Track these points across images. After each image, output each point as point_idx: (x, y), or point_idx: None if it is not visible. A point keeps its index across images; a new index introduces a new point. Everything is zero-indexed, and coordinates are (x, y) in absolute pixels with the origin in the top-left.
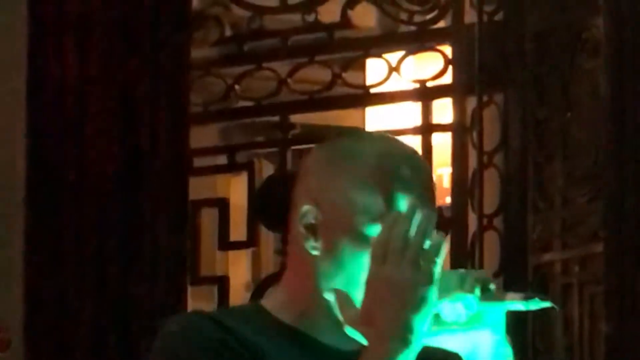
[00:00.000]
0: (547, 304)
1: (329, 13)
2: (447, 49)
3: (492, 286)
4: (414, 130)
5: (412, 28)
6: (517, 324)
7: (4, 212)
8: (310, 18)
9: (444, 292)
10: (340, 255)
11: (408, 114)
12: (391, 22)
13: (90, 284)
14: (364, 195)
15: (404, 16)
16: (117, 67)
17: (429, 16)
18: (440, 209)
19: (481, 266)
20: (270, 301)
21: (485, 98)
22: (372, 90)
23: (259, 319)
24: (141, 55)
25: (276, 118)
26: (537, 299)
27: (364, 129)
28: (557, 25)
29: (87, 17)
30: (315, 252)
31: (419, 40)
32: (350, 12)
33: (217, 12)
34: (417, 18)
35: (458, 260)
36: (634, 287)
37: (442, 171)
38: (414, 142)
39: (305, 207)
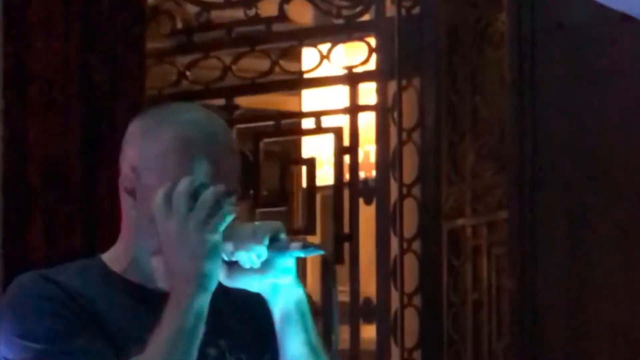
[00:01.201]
0: (320, 252)
1: (268, 8)
2: (371, 40)
3: (282, 236)
4: (343, 111)
5: (341, 21)
6: (434, 281)
7: None
8: (251, 12)
9: (240, 242)
10: (152, 214)
11: (338, 97)
12: (322, 16)
13: (58, 250)
14: (170, 161)
15: (333, 10)
16: (79, 56)
17: (355, 10)
18: (366, 180)
19: (401, 229)
20: (108, 254)
21: (404, 82)
22: (306, 76)
23: (94, 271)
24: (101, 46)
25: (222, 101)
26: (313, 247)
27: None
28: (468, 20)
29: (52, 12)
30: (133, 212)
31: (347, 31)
32: (286, 7)
33: (169, 7)
34: (345, 12)
35: (382, 223)
36: (532, 249)
37: (368, 148)
38: (343, 121)
39: (125, 173)
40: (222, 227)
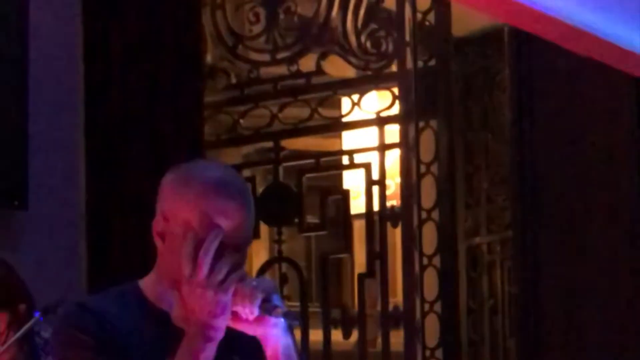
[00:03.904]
0: (296, 323)
1: (307, 64)
2: (395, 88)
3: (274, 297)
4: (375, 148)
5: (369, 73)
6: (452, 291)
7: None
8: (293, 68)
9: (239, 298)
10: (177, 257)
11: (369, 136)
12: (352, 69)
13: (134, 273)
14: (194, 216)
15: (362, 64)
16: (148, 108)
17: (380, 64)
18: (393, 207)
19: (421, 248)
20: (144, 281)
21: (423, 124)
22: (344, 120)
23: (131, 297)
24: (167, 100)
25: (270, 143)
26: (291, 317)
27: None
28: (479, 69)
29: (125, 72)
30: (164, 252)
31: (374, 82)
32: (322, 63)
33: (224, 66)
34: (372, 66)
35: (406, 243)
36: (534, 261)
37: (395, 180)
38: (373, 157)
39: (157, 219)
40: (232, 289)
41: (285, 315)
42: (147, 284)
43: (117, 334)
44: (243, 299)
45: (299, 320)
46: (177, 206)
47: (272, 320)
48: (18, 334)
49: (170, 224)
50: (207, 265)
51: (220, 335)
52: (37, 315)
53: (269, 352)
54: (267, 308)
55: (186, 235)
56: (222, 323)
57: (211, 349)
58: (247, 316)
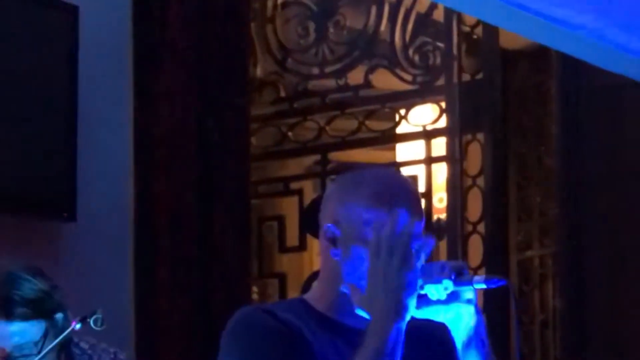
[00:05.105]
0: (502, 283)
1: (355, 77)
2: (443, 102)
3: (465, 271)
4: (422, 162)
5: (416, 86)
6: (504, 305)
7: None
8: (342, 81)
9: (429, 277)
10: (354, 258)
11: (420, 149)
12: (400, 82)
13: (180, 284)
14: (369, 213)
15: (409, 78)
16: (196, 122)
17: (427, 77)
18: (439, 219)
19: (466, 260)
20: (310, 295)
21: (470, 137)
22: (397, 131)
23: (300, 308)
24: (214, 114)
25: (318, 156)
26: (495, 279)
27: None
28: (531, 82)
29: (174, 85)
30: (336, 258)
31: (421, 95)
32: (370, 76)
33: (274, 79)
34: (419, 79)
35: (452, 256)
36: (579, 276)
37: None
38: (419, 170)
39: (327, 225)
40: (419, 265)
41: (489, 280)
42: (313, 296)
43: (299, 334)
44: (434, 275)
45: (508, 280)
46: (350, 208)
47: (466, 296)
48: (55, 342)
49: (344, 228)
50: (391, 244)
51: (407, 314)
52: (74, 324)
53: (462, 334)
54: (464, 279)
55: (367, 229)
56: (409, 300)
57: (399, 332)
58: (438, 296)
